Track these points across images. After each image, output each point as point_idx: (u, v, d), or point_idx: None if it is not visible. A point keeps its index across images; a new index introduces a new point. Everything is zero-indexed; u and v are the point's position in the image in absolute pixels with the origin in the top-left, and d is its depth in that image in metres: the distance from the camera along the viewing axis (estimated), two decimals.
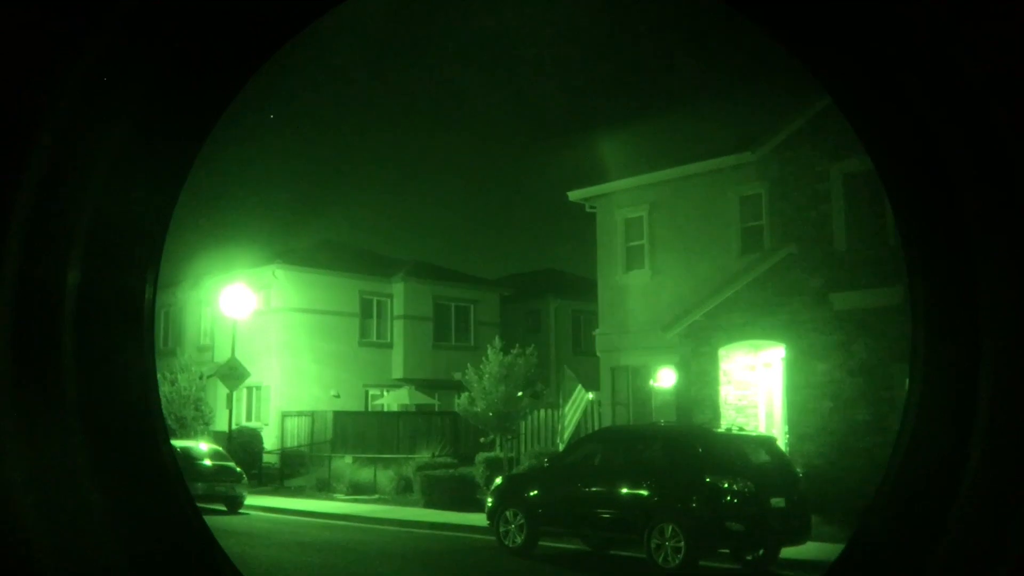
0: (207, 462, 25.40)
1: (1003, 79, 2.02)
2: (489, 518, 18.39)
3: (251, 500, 25.87)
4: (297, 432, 36.30)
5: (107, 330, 2.36)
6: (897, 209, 2.49)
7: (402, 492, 28.36)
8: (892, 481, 2.44)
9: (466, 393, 30.09)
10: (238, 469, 25.91)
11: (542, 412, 30.70)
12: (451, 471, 27.11)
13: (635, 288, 27.35)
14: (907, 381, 2.54)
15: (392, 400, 38.06)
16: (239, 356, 31.33)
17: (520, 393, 29.68)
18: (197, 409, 35.10)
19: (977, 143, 2.11)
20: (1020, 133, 2.02)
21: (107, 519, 2.28)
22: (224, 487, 24.88)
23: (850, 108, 2.57)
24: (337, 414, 35.58)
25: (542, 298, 44.19)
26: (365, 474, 30.37)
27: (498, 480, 19.37)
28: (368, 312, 40.30)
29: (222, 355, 34.66)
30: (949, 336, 2.30)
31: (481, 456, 27.02)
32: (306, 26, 2.62)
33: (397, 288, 40.71)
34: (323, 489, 30.28)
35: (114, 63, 2.17)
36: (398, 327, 40.57)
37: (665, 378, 25.55)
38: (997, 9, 2.01)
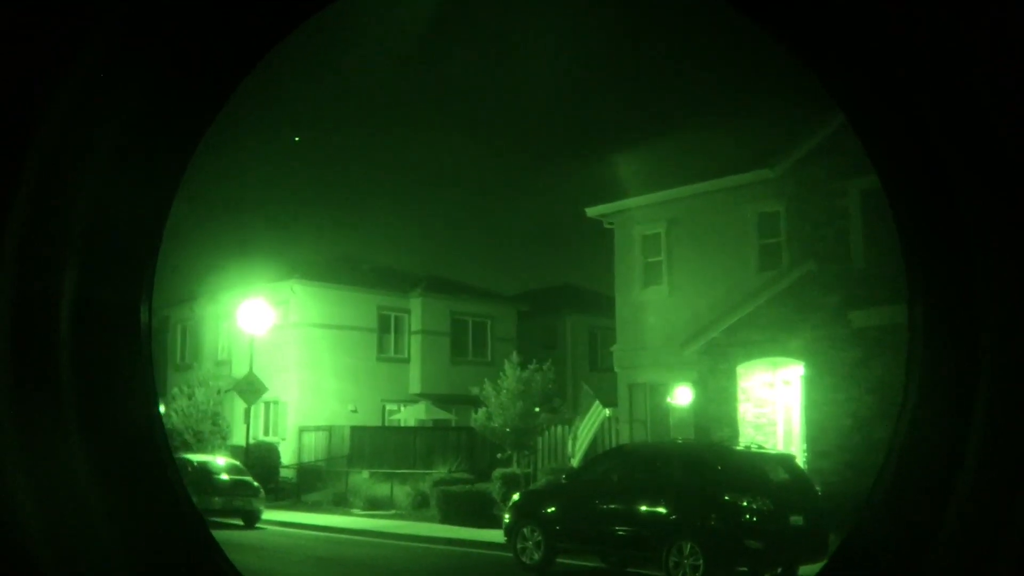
0: (224, 476, 25.47)
1: (1005, 83, 2.02)
2: (506, 534, 18.36)
3: (268, 515, 25.90)
4: (314, 447, 36.35)
5: (104, 332, 2.37)
6: (897, 213, 2.49)
7: (419, 507, 28.34)
8: (889, 479, 2.44)
9: (483, 408, 30.08)
10: (255, 483, 25.96)
11: (559, 428, 30.64)
12: (468, 487, 27.08)
13: (653, 304, 27.30)
14: (904, 379, 2.54)
15: (409, 415, 38.08)
16: (257, 371, 31.41)
17: (537, 409, 29.66)
18: (215, 424, 35.20)
19: (978, 148, 2.11)
20: (1021, 138, 2.02)
21: (109, 529, 2.29)
22: (241, 501, 24.94)
23: (855, 114, 2.58)
24: (354, 429, 35.61)
25: (559, 314, 44.17)
26: (382, 489, 30.38)
27: (515, 496, 19.35)
28: (386, 327, 40.37)
29: (240, 370, 34.76)
30: (948, 336, 2.31)
31: (498, 472, 26.99)
32: (299, 24, 2.62)
33: (415, 303, 40.78)
34: (340, 504, 30.31)
35: (111, 64, 2.18)
36: (415, 342, 40.62)
37: (683, 395, 25.48)
38: (999, 13, 2.01)
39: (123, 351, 2.46)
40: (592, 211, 29.04)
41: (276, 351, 36.38)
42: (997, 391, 2.12)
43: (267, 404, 37.20)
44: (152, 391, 2.62)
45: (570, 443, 29.81)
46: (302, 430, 36.92)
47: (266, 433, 38.09)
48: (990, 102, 2.05)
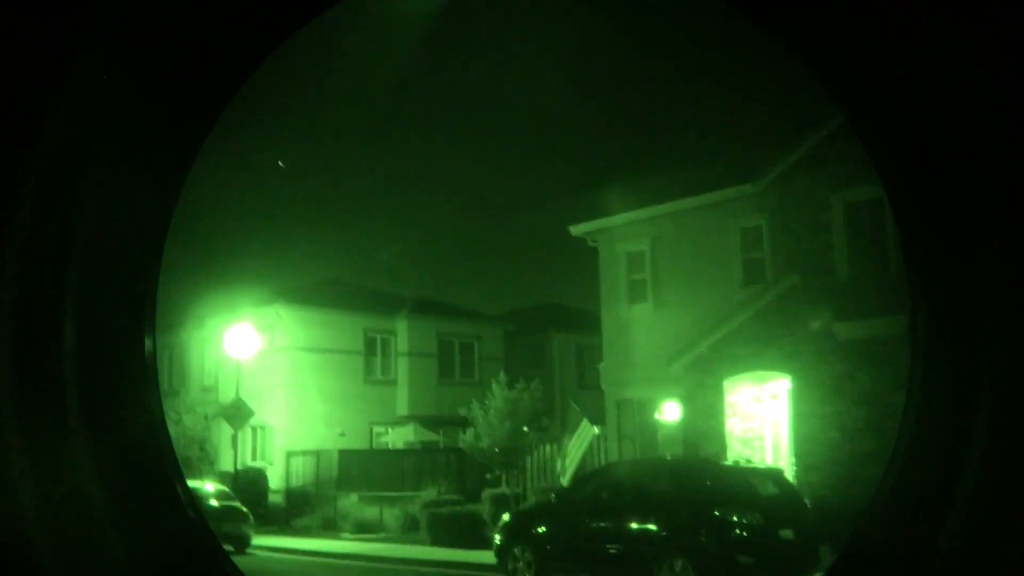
0: (213, 502, 25.32)
1: (1005, 83, 2.02)
2: (497, 555, 18.31)
3: (257, 540, 25.75)
4: (302, 471, 36.18)
5: (109, 329, 2.37)
6: (897, 213, 2.48)
7: (408, 530, 28.23)
8: (891, 483, 2.43)
9: (471, 429, 30.03)
10: (244, 509, 25.83)
11: (548, 447, 30.61)
12: (457, 508, 26.99)
13: (638, 321, 27.36)
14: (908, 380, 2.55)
15: (397, 437, 37.97)
16: (244, 396, 31.29)
17: (525, 428, 29.63)
18: (202, 449, 35.02)
19: (979, 148, 2.11)
20: (1022, 138, 2.02)
21: (116, 537, 2.28)
22: (230, 527, 24.78)
23: (855, 114, 2.58)
24: (342, 452, 35.49)
25: (546, 332, 44.18)
26: (371, 512, 30.24)
27: (505, 517, 19.31)
28: (372, 350, 40.31)
29: (227, 395, 34.62)
30: (948, 337, 2.30)
31: (487, 492, 26.93)
32: (303, 24, 2.62)
33: (401, 325, 40.74)
34: (329, 528, 30.16)
35: (111, 66, 2.17)
36: (402, 364, 40.55)
37: (670, 411, 25.50)
38: (999, 13, 2.01)
39: (127, 355, 2.46)
40: (576, 229, 29.13)
41: (263, 376, 36.26)
42: (999, 394, 2.11)
43: (254, 429, 37.04)
44: (156, 396, 2.61)
45: (559, 462, 29.76)
46: (290, 454, 36.75)
47: (254, 458, 37.90)
48: (990, 102, 2.05)
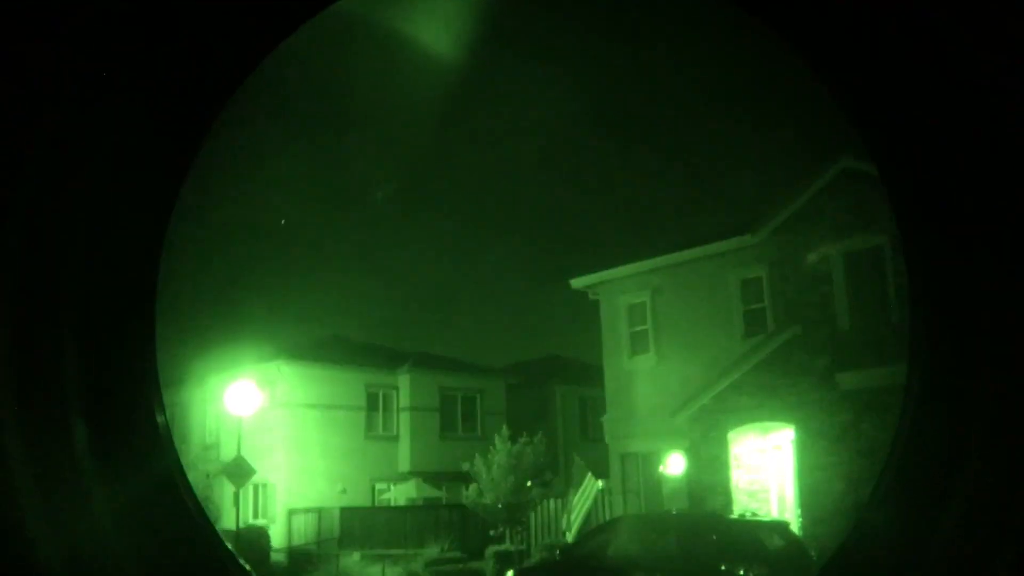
0: None
1: (1006, 83, 2.02)
2: None
3: None
4: (304, 529, 35.88)
5: (110, 320, 2.36)
6: (897, 211, 2.47)
7: None
8: (889, 478, 2.42)
9: (474, 484, 29.83)
10: (247, 567, 25.53)
11: (552, 502, 30.38)
12: (460, 566, 26.72)
13: (641, 373, 27.31)
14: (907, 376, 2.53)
15: (399, 494, 37.69)
16: (245, 453, 31.10)
17: (529, 483, 29.43)
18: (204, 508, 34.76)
19: (979, 148, 2.11)
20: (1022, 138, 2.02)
21: (121, 543, 2.26)
22: None
23: (856, 114, 2.58)
24: (344, 510, 35.22)
25: (548, 385, 44.07)
26: (374, 571, 29.92)
27: (509, 574, 19.12)
28: (374, 405, 40.15)
29: (228, 453, 34.41)
30: (950, 335, 2.29)
31: (491, 549, 26.68)
32: (303, 22, 2.62)
33: (403, 380, 40.63)
34: None
35: (111, 71, 2.18)
36: (404, 419, 40.38)
37: (675, 464, 25.35)
38: (999, 14, 2.01)
39: (130, 359, 2.45)
40: (577, 282, 29.20)
41: (264, 433, 36.09)
42: (998, 389, 2.11)
43: (256, 486, 36.80)
44: (160, 403, 2.60)
45: (564, 518, 29.53)
46: (291, 512, 36.48)
47: (255, 516, 37.60)
48: (991, 102, 2.05)
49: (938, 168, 2.23)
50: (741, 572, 15.32)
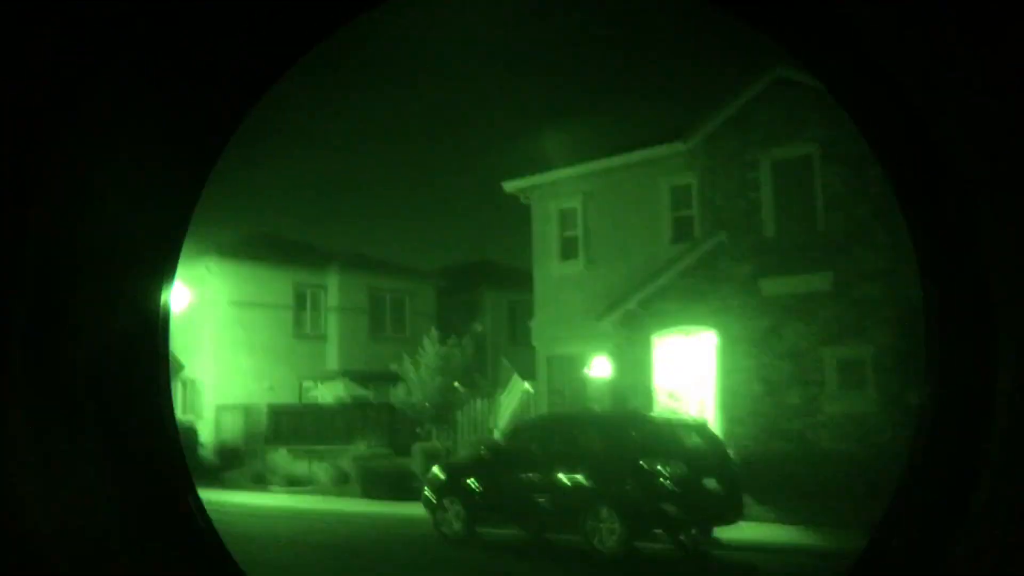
0: None
1: (1007, 81, 2.03)
2: (427, 507, 18.47)
3: None
4: (232, 425, 35.96)
5: (122, 332, 2.37)
6: (905, 210, 2.49)
7: (339, 483, 28.29)
8: (906, 493, 2.46)
9: (402, 384, 30.08)
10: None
11: (479, 402, 30.83)
12: (388, 462, 27.10)
13: (570, 278, 27.57)
14: (906, 380, 2.55)
15: (326, 392, 37.85)
16: (173, 350, 30.92)
17: (457, 384, 29.79)
18: None
19: (980, 147, 2.14)
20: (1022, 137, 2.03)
21: (125, 547, 2.29)
22: None
23: (856, 114, 2.58)
24: (271, 407, 35.34)
25: (478, 289, 44.23)
26: (300, 466, 30.22)
27: (435, 469, 19.45)
28: (302, 304, 40.00)
29: None
30: (964, 335, 2.29)
31: (418, 446, 27.06)
32: (322, 38, 2.60)
33: (332, 280, 40.47)
34: (258, 482, 30.07)
35: (132, 78, 2.16)
36: (333, 319, 40.35)
37: (600, 366, 25.82)
38: (999, 14, 2.02)
39: (142, 367, 2.45)
40: (509, 186, 29.14)
41: (192, 330, 35.83)
42: (1017, 390, 2.11)
43: (184, 383, 36.71)
44: (171, 413, 2.61)
45: (491, 417, 30.02)
46: (219, 409, 36.51)
47: (184, 412, 37.54)
48: (991, 102, 2.07)
49: (939, 167, 2.21)
50: (659, 468, 15.77)
